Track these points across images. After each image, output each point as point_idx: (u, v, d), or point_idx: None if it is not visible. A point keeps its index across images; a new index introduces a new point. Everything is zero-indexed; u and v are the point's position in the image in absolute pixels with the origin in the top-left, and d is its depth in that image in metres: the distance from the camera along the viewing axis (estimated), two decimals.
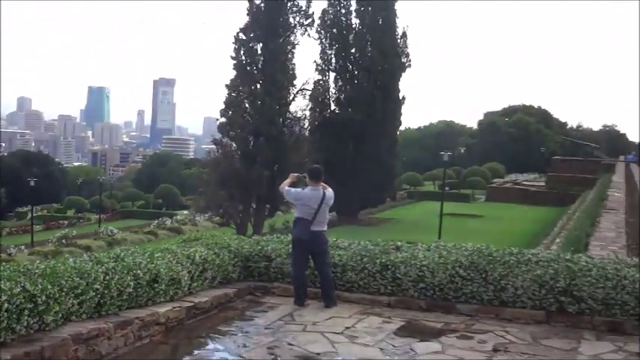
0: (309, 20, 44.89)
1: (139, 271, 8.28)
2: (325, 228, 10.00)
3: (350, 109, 51.70)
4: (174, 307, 8.60)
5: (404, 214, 58.47)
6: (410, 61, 55.71)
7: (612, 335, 8.73)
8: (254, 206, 39.08)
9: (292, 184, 10.13)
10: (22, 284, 6.67)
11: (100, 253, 9.24)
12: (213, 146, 46.01)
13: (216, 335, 8.35)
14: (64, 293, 7.14)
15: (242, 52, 42.59)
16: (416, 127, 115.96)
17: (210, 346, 7.97)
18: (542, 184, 73.61)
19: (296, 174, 10.40)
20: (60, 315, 7.06)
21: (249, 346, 7.92)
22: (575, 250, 14.22)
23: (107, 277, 7.78)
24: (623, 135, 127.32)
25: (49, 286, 6.94)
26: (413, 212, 58.83)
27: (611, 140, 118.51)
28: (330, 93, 53.23)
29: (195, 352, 7.74)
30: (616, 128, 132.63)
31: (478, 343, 8.28)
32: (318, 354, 7.66)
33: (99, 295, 7.63)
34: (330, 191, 9.99)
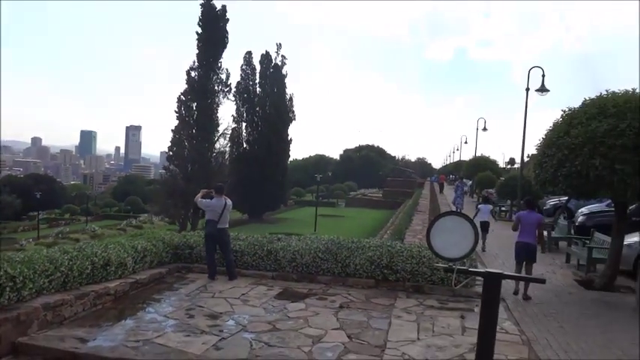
0: (228, 88, 44.78)
1: (95, 258, 7.81)
2: (227, 226, 9.78)
3: (256, 147, 51.98)
4: (121, 283, 8.12)
5: (293, 215, 58.39)
6: (295, 115, 56.42)
7: (417, 294, 8.85)
8: (192, 211, 38.14)
9: (203, 196, 9.83)
10: (4, 269, 6.20)
11: (77, 244, 8.72)
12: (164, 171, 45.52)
13: (151, 302, 7.92)
14: (37, 275, 6.67)
15: (182, 108, 42.07)
16: (300, 158, 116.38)
17: (147, 309, 7.54)
18: (381, 195, 75.26)
19: (205, 189, 10.15)
20: (34, 290, 6.59)
21: (173, 309, 7.55)
22: (398, 238, 14.47)
23: (71, 263, 7.29)
24: (430, 164, 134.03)
25: (26, 270, 6.47)
26: (299, 214, 58.64)
27: (423, 167, 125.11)
28: (243, 136, 53.07)
29: (137, 313, 7.30)
30: (426, 160, 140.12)
31: (330, 302, 8.21)
32: (221, 313, 7.39)
33: (64, 276, 7.13)
34: (229, 201, 9.86)
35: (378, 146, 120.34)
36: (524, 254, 9.47)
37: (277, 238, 10.58)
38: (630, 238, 11.08)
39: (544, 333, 7.07)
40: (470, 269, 4.07)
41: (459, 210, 29.01)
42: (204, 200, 9.73)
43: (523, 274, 9.40)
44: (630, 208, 11.65)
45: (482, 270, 3.81)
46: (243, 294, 8.47)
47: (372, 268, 9.30)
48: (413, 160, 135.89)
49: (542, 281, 3.91)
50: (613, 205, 10.73)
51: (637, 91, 9.79)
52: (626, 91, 9.53)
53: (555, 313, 8.07)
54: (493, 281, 3.71)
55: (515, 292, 9.21)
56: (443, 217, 3.93)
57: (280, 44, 55.95)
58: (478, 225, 15.49)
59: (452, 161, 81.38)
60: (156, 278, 9.10)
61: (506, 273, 3.74)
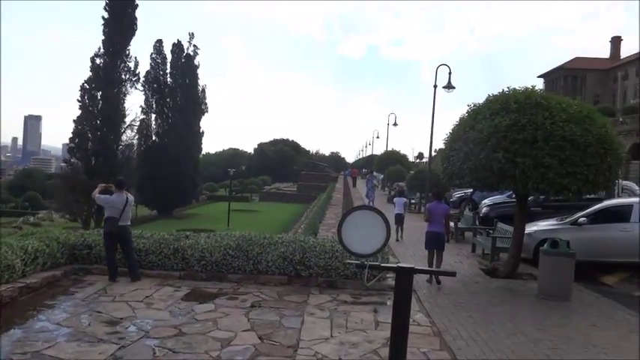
0: (136, 77, 42.90)
1: None
2: (129, 223, 9.17)
3: (166, 140, 50.29)
4: (8, 288, 7.38)
5: (205, 211, 57.19)
6: (207, 107, 55.23)
7: (330, 290, 8.73)
8: (95, 207, 36.07)
9: (102, 192, 9.15)
10: None
11: None
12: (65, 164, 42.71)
13: (43, 308, 7.24)
14: None
15: (86, 97, 39.88)
16: (213, 151, 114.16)
17: (38, 316, 6.88)
18: (295, 189, 75.47)
19: (103, 184, 9.40)
20: None
21: (67, 315, 6.94)
22: (312, 233, 14.36)
23: None
24: (343, 158, 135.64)
25: None
26: (211, 209, 57.48)
27: (336, 161, 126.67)
28: (152, 128, 51.22)
29: (26, 322, 6.64)
30: (340, 154, 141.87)
31: (241, 301, 7.91)
32: (122, 318, 6.86)
33: None
34: (131, 196, 9.23)
35: (292, 140, 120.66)
36: (435, 243, 10.04)
37: (185, 235, 10.09)
38: (530, 228, 11.61)
39: (454, 323, 7.17)
40: (382, 265, 3.93)
41: (371, 203, 29.52)
42: (102, 196, 9.03)
43: (434, 261, 10.01)
44: (530, 199, 12.18)
45: (393, 265, 3.68)
46: (146, 296, 7.96)
47: (284, 264, 9.09)
48: (327, 154, 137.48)
49: (453, 274, 3.86)
50: (514, 196, 11.19)
51: (536, 88, 10.28)
52: (527, 88, 9.93)
53: (464, 303, 8.23)
54: (405, 276, 3.60)
55: (429, 280, 9.61)
56: (354, 211, 3.75)
57: (193, 34, 54.49)
58: (394, 217, 15.83)
59: (365, 155, 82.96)
60: (49, 282, 8.37)
61: (417, 267, 3.63)
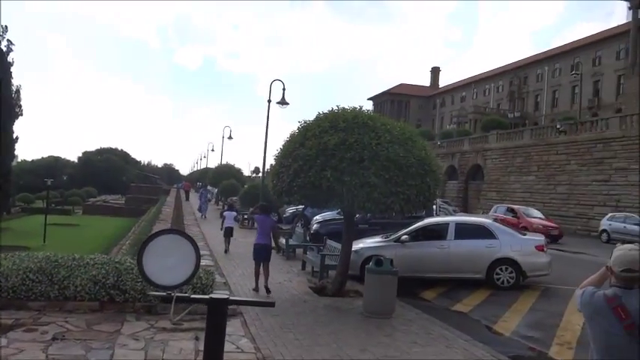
0: None
1: None
2: None
3: None
4: None
5: (18, 225, 51.19)
6: (22, 110, 49.96)
7: (148, 316, 8.01)
8: None
9: None
10: None
11: None
12: None
13: None
14: None
15: None
16: (30, 159, 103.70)
17: None
18: (124, 202, 71.47)
19: None
20: None
21: None
22: (138, 249, 13.33)
23: None
24: (177, 170, 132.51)
25: None
26: (25, 223, 51.68)
27: (169, 173, 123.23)
28: None
29: None
30: (173, 166, 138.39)
31: (41, 334, 6.88)
32: None
33: None
34: None
35: (122, 150, 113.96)
36: (261, 254, 10.43)
37: None
38: (357, 245, 11.92)
39: (280, 347, 6.92)
40: (192, 296, 3.49)
41: (203, 217, 28.68)
42: None
43: (262, 273, 10.44)
44: (357, 216, 12.55)
45: (205, 297, 3.27)
46: None
47: (96, 288, 8.15)
48: (160, 165, 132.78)
49: (271, 304, 3.54)
50: (343, 213, 11.43)
51: (364, 109, 10.61)
52: (354, 108, 10.19)
53: (291, 325, 8.04)
54: (218, 307, 3.23)
55: (256, 289, 10.13)
56: (158, 236, 3.28)
57: (6, 27, 48.88)
58: (224, 230, 15.71)
59: (199, 168, 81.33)
60: None
61: (232, 298, 3.25)
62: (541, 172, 37.12)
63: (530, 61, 71.35)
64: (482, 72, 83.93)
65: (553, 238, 23.58)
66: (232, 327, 7.44)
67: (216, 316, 3.25)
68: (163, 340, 6.87)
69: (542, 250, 12.07)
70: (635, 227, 23.01)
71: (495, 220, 23.28)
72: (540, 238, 12.74)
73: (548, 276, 12.25)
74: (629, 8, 50.97)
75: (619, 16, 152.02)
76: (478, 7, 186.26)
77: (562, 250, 20.80)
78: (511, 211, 28.27)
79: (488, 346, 7.48)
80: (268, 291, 10.21)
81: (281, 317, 8.47)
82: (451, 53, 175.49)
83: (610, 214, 27.21)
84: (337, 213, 17.98)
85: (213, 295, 3.26)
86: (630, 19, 51.06)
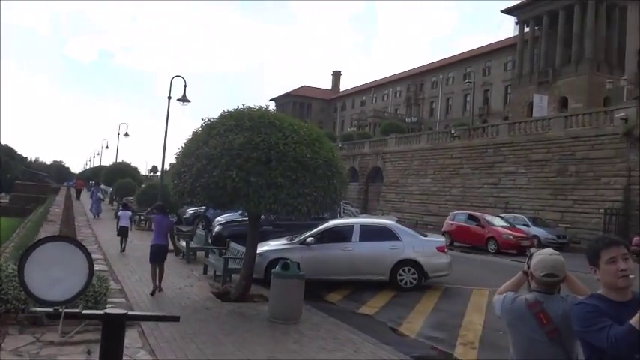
0: None
1: None
2: None
3: None
4: None
5: None
6: None
7: (34, 328, 7.24)
8: None
9: None
10: None
11: None
12: None
13: None
14: None
15: None
16: None
17: None
18: (8, 200, 66.35)
19: None
20: None
21: None
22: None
23: None
24: (68, 168, 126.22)
25: None
26: None
27: (60, 170, 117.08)
28: None
29: None
30: (64, 163, 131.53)
31: None
32: None
33: None
34: None
35: (6, 145, 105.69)
36: (157, 255, 10.37)
37: None
38: (261, 247, 11.63)
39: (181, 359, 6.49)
40: (84, 312, 3.06)
41: (95, 217, 27.07)
42: None
43: (157, 274, 10.35)
44: (262, 217, 12.26)
45: (99, 312, 2.85)
46: None
47: None
48: (49, 162, 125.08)
49: (176, 319, 3.19)
50: (247, 215, 11.10)
51: (270, 108, 10.40)
52: (261, 107, 9.93)
53: (193, 334, 7.59)
54: (115, 324, 2.84)
55: (153, 293, 10.00)
56: (43, 244, 2.82)
57: None
58: (119, 229, 15.11)
59: (93, 166, 77.19)
60: None
61: (131, 313, 2.87)
62: (437, 175, 38.72)
63: (427, 68, 74.60)
64: (382, 77, 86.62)
65: (523, 250, 20.11)
66: (129, 338, 6.88)
67: (113, 333, 2.86)
68: (50, 356, 6.22)
69: (443, 251, 12.42)
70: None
71: (453, 229, 23.32)
72: (441, 240, 13.11)
73: (448, 276, 12.63)
74: (516, 23, 54.65)
75: (508, 29, 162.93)
76: (377, 15, 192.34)
77: (461, 251, 21.73)
78: (473, 219, 24.66)
79: (395, 348, 7.48)
80: (160, 289, 10.23)
81: (182, 326, 7.97)
82: (352, 57, 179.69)
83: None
84: (240, 214, 17.55)
85: (108, 311, 2.86)
86: (517, 33, 54.78)
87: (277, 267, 8.89)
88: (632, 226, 24.70)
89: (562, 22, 48.99)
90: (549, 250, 3.30)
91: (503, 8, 56.66)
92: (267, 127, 9.15)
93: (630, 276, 2.80)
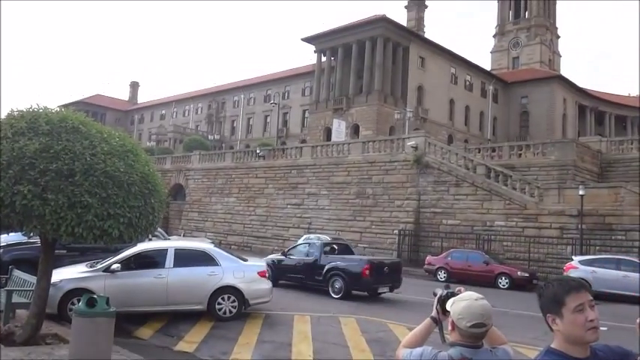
0: None
1: None
2: None
3: None
4: None
5: None
6: None
7: None
8: None
9: None
10: None
11: None
12: None
13: None
14: None
15: None
16: None
17: None
18: None
19: None
20: None
21: None
22: None
23: None
24: None
25: None
26: None
27: None
28: None
29: None
30: None
31: None
32: None
33: None
34: None
35: None
36: None
37: None
38: (55, 276, 9.60)
39: None
40: None
41: None
42: None
43: None
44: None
45: None
46: None
47: None
48: None
49: None
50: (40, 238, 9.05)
51: (72, 111, 8.68)
52: (62, 110, 8.22)
53: None
54: None
55: None
56: None
57: None
58: None
59: None
60: None
61: None
62: (242, 194, 38.13)
63: (229, 87, 74.50)
64: (184, 92, 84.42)
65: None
66: None
67: None
68: None
69: (264, 277, 11.60)
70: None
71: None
72: (262, 264, 12.24)
73: (268, 303, 11.81)
74: (315, 52, 57.25)
75: (308, 57, 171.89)
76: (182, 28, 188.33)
77: None
78: None
79: None
80: None
81: None
82: (152, 69, 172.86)
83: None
84: (23, 234, 14.68)
85: None
86: (316, 62, 57.38)
87: (80, 303, 7.19)
88: (422, 246, 26.81)
89: (355, 55, 52.52)
90: (473, 293, 2.68)
91: (303, 37, 58.94)
92: (71, 133, 7.51)
93: (602, 328, 2.29)
